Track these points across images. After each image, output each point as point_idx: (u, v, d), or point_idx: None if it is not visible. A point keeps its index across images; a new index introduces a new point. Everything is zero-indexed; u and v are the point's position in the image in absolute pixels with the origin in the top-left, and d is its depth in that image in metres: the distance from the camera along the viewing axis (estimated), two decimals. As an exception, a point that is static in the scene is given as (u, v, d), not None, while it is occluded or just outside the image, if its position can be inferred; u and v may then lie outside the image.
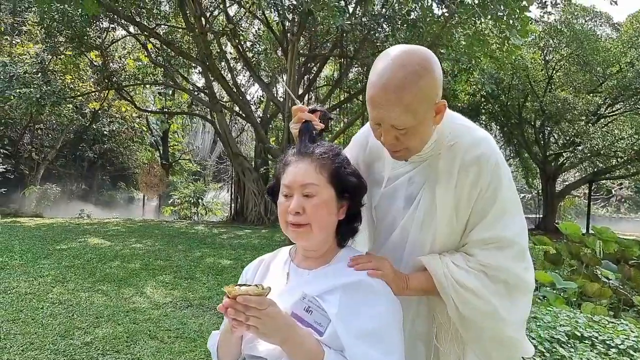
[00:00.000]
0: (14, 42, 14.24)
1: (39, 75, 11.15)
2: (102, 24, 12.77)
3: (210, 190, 22.75)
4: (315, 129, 1.29)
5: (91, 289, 5.41)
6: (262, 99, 16.35)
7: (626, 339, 2.87)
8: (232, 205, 15.33)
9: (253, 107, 15.06)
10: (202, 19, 11.33)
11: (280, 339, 0.99)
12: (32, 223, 11.02)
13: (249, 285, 0.98)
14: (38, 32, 12.79)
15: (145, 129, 21.09)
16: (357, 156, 1.45)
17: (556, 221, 14.85)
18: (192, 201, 17.75)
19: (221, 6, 12.81)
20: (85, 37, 11.53)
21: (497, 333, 1.23)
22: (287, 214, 1.15)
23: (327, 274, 1.16)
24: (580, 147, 13.30)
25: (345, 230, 1.22)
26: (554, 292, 4.71)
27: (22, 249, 7.40)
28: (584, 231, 10.40)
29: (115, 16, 11.64)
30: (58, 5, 9.97)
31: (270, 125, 15.72)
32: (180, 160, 23.49)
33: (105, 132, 20.46)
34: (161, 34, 12.93)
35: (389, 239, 1.34)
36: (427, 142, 1.25)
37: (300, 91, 12.00)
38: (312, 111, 1.33)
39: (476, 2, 7.40)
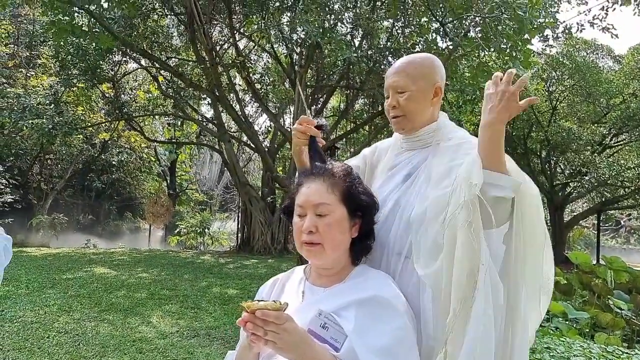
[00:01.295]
0: (28, 74, 14.63)
1: (51, 106, 11.39)
2: (114, 57, 13.12)
3: (216, 220, 22.76)
4: (319, 145, 1.39)
5: (97, 318, 5.38)
6: (269, 129, 16.57)
7: (642, 369, 2.82)
8: (239, 234, 15.31)
9: (260, 137, 15.23)
10: (212, 51, 11.62)
11: (297, 354, 1.01)
12: (38, 253, 11.04)
13: (267, 301, 1.00)
14: (52, 65, 13.14)
15: (154, 159, 21.33)
16: (365, 156, 1.63)
17: (565, 252, 14.66)
18: (199, 231, 17.75)
19: (231, 40, 13.18)
20: (98, 70, 11.83)
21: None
22: (301, 233, 1.18)
23: (342, 291, 1.18)
24: (587, 177, 13.27)
25: (359, 248, 1.25)
26: (567, 322, 4.64)
27: (29, 279, 7.40)
28: (594, 262, 10.26)
29: (128, 49, 11.96)
30: (74, 39, 10.29)
31: (278, 155, 15.86)
32: (187, 190, 23.64)
33: (113, 162, 20.70)
34: (172, 65, 13.25)
35: (382, 211, 1.38)
36: (424, 120, 1.44)
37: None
38: (318, 127, 1.43)
39: (479, 35, 7.58)
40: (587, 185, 13.76)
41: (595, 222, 18.74)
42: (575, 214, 18.82)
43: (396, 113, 1.45)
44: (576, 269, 6.82)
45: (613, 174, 12.30)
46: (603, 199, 15.62)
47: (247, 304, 0.99)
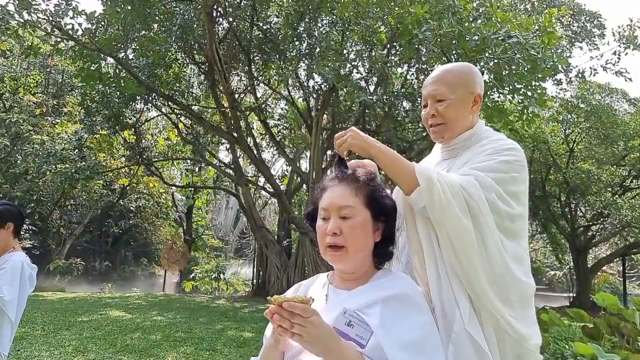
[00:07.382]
0: (54, 122, 15.19)
1: (75, 152, 11.71)
2: (137, 105, 13.60)
3: (231, 265, 22.64)
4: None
5: (112, 359, 5.30)
6: (285, 173, 16.75)
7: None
8: (254, 279, 15.15)
9: (277, 181, 15.39)
10: (232, 94, 11.98)
11: (323, 348, 0.99)
12: (54, 297, 11.05)
13: (294, 295, 1.00)
14: (78, 112, 13.65)
15: (171, 205, 21.57)
16: None
17: (591, 298, 14.10)
18: (214, 276, 17.63)
19: (249, 88, 13.61)
20: (121, 117, 12.21)
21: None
22: (325, 236, 1.18)
23: (366, 291, 1.17)
24: (608, 219, 12.95)
25: (382, 253, 1.24)
26: (597, 367, 4.40)
27: (44, 321, 7.39)
28: (622, 306, 9.81)
29: (150, 97, 12.38)
30: (100, 87, 10.73)
31: (293, 200, 15.92)
32: (202, 236, 23.68)
33: (131, 208, 20.98)
34: (193, 110, 13.65)
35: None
36: (463, 128, 1.44)
37: (324, 164, 12.27)
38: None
39: (493, 77, 7.70)
40: (609, 228, 13.41)
41: (621, 268, 18.11)
42: (599, 258, 18.22)
43: (435, 121, 1.46)
44: (603, 310, 6.55)
45: (636, 215, 12.00)
46: (627, 243, 15.15)
47: (274, 297, 0.99)
